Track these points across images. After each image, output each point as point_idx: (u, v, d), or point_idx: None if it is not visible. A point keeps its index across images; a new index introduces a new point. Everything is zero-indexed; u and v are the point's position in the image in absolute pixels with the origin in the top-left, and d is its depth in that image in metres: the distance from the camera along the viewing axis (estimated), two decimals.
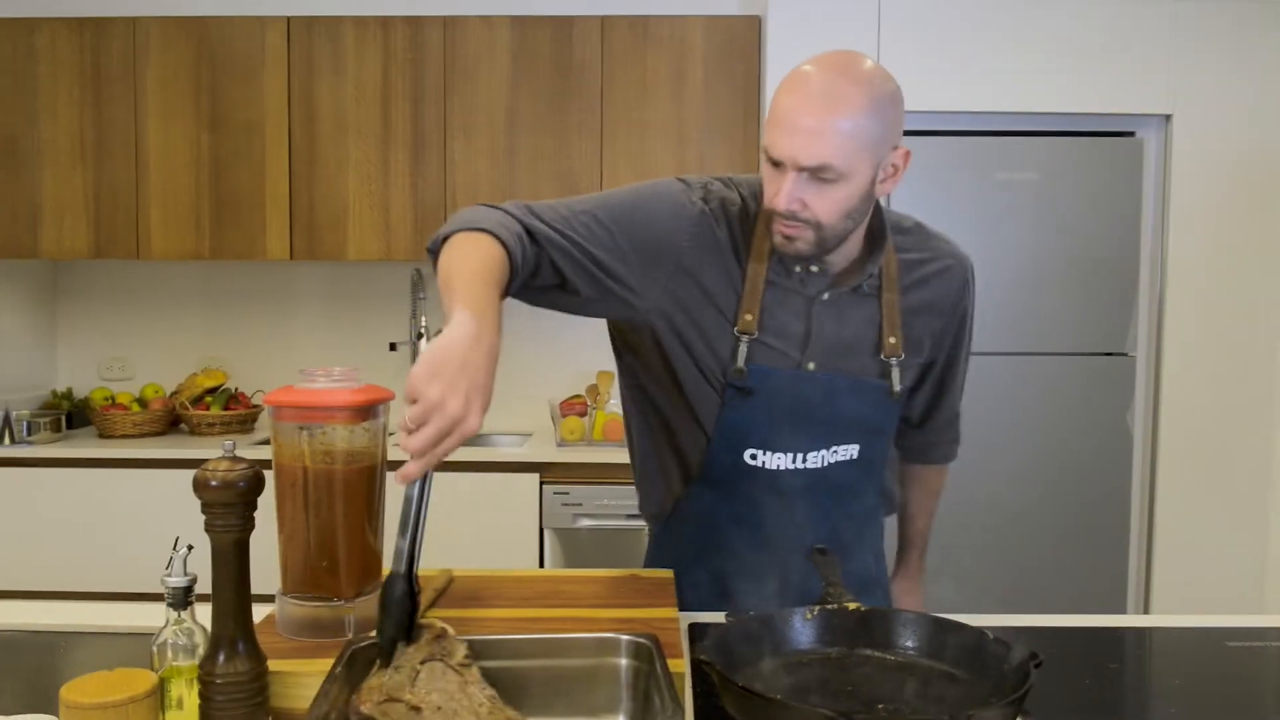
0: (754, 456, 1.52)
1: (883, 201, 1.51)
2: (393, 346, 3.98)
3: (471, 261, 1.28)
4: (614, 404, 3.65)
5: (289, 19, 3.62)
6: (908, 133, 3.54)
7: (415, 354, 3.93)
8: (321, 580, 1.30)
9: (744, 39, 3.56)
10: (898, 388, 1.54)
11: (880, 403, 1.55)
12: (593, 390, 3.67)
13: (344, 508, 1.29)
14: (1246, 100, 3.34)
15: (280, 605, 1.32)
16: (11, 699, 1.36)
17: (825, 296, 1.50)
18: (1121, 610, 3.45)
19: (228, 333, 4.08)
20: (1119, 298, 3.39)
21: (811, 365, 1.50)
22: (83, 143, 3.65)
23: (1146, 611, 3.45)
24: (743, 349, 1.47)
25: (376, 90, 3.61)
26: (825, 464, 1.54)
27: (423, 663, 1.04)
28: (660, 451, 1.62)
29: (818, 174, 1.33)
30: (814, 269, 1.49)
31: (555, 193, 3.59)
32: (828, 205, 1.36)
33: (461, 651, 1.07)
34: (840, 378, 1.51)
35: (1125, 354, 3.42)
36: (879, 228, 1.51)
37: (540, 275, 1.42)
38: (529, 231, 1.39)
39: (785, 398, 1.49)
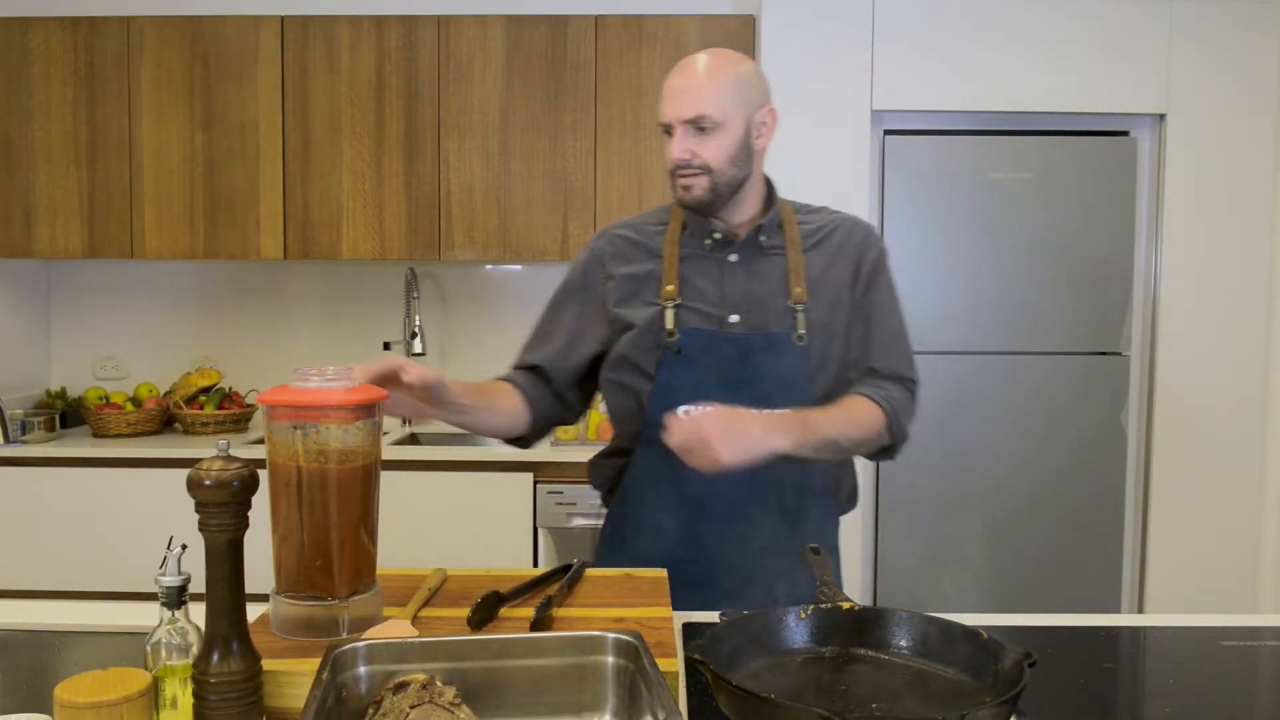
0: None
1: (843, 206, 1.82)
2: (386, 346, 3.98)
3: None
4: None
5: (283, 18, 3.61)
6: (902, 132, 3.54)
7: (409, 353, 3.92)
8: (315, 579, 1.30)
9: (738, 38, 3.56)
10: (801, 331, 1.70)
11: (789, 353, 1.70)
12: None
13: (338, 507, 1.29)
14: (1240, 100, 3.35)
15: (274, 604, 1.32)
16: (6, 698, 1.36)
17: (733, 257, 1.76)
18: (1116, 609, 3.46)
19: (222, 332, 4.07)
20: (1113, 297, 3.40)
21: (734, 318, 1.72)
22: (76, 142, 3.64)
23: (1141, 611, 3.46)
24: (669, 314, 1.72)
25: (370, 89, 3.61)
26: None
27: (413, 707, 1.05)
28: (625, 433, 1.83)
29: (698, 124, 1.66)
30: (717, 235, 1.76)
31: (549, 192, 3.60)
32: (712, 150, 1.67)
33: (451, 692, 1.07)
34: (755, 336, 1.71)
35: (1119, 353, 3.42)
36: (770, 195, 1.80)
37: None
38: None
39: (710, 356, 1.70)
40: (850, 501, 1.88)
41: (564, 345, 1.83)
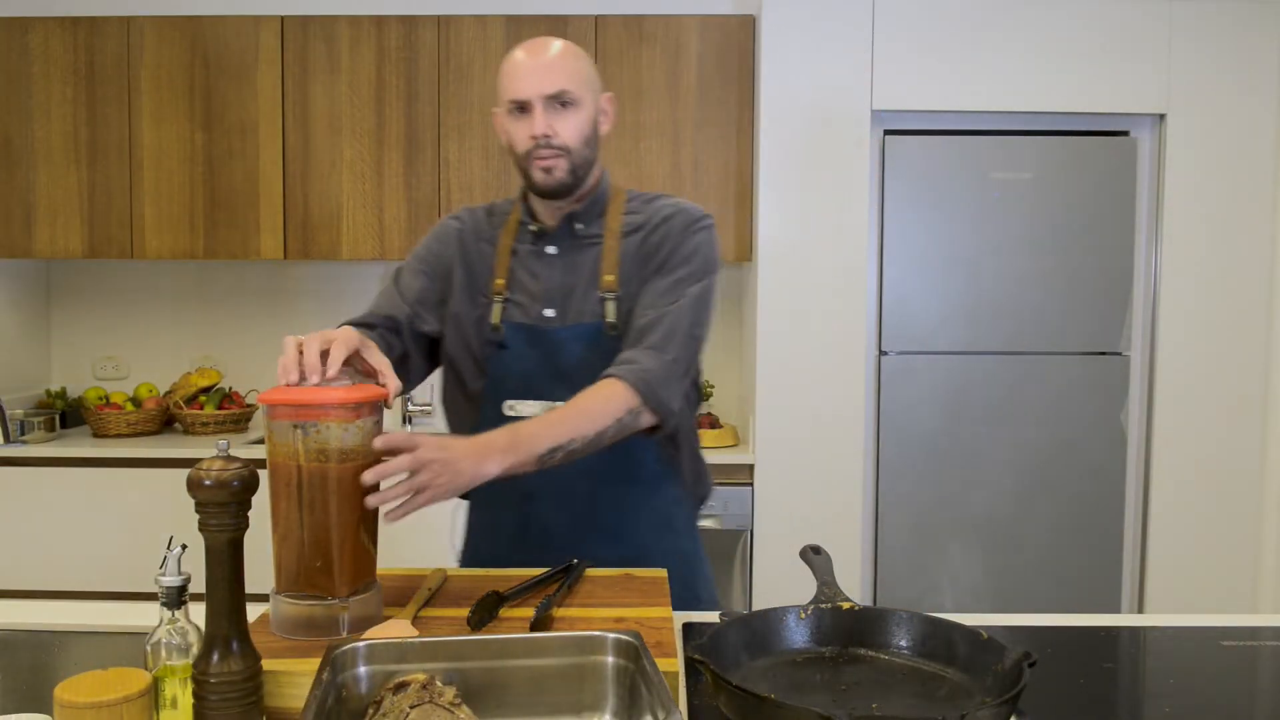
0: (511, 407, 1.66)
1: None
2: None
3: None
4: None
5: (283, 18, 3.61)
6: (901, 132, 3.55)
7: None
8: (316, 579, 1.30)
9: (738, 38, 3.56)
10: (610, 319, 1.67)
11: (602, 343, 1.66)
12: None
13: (338, 506, 1.29)
14: (1240, 100, 3.35)
15: (274, 604, 1.32)
16: (6, 698, 1.36)
17: (551, 249, 1.74)
18: (1116, 609, 3.46)
19: (222, 332, 4.07)
20: (1113, 297, 3.40)
21: (549, 312, 1.70)
22: (77, 142, 3.64)
23: (1140, 611, 3.46)
24: (496, 309, 1.71)
25: (370, 89, 3.61)
26: None
27: (413, 707, 1.05)
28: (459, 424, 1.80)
29: (559, 99, 1.64)
30: (533, 229, 1.74)
31: None
32: (571, 129, 1.66)
33: (451, 692, 1.07)
34: (564, 329, 1.68)
35: (1119, 353, 3.42)
36: (600, 186, 1.79)
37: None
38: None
39: (531, 349, 1.69)
40: (700, 485, 1.83)
41: (410, 313, 1.75)
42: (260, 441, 3.66)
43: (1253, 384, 3.41)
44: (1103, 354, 3.42)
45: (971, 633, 1.21)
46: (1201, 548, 3.43)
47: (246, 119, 3.63)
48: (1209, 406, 3.41)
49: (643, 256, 1.71)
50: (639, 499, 1.70)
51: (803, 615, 1.29)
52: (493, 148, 3.61)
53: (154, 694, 1.08)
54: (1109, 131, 3.45)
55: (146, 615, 1.40)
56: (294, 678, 1.17)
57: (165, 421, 3.83)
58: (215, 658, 1.07)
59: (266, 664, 1.13)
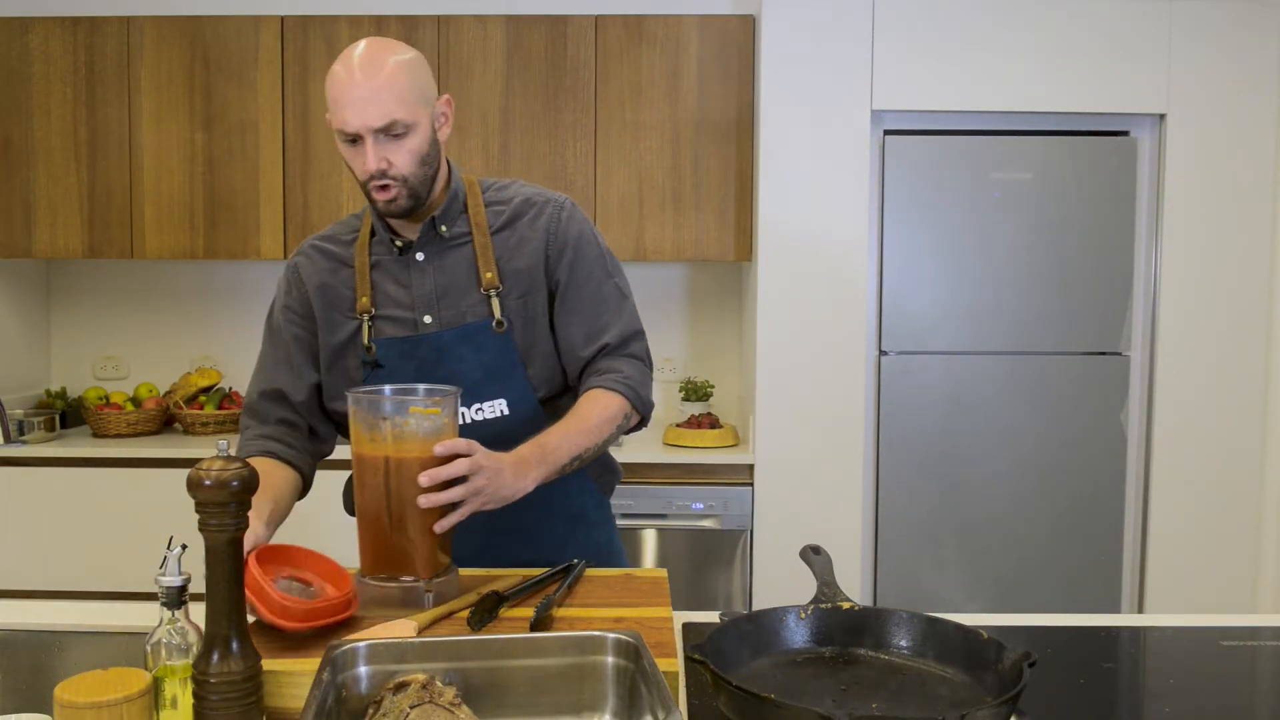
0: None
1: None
2: None
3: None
4: None
5: (283, 18, 3.61)
6: (901, 132, 3.55)
7: None
8: (400, 562, 1.40)
9: (738, 38, 3.57)
10: (498, 316, 1.65)
11: (489, 342, 1.65)
12: None
13: (416, 495, 1.37)
14: (1241, 100, 3.35)
15: (361, 588, 1.41)
16: (6, 698, 1.36)
17: (419, 255, 1.68)
18: (1116, 609, 3.46)
19: (222, 332, 4.07)
20: (1113, 297, 3.40)
21: (428, 319, 1.67)
22: (76, 142, 3.64)
23: (1140, 611, 3.46)
24: (365, 328, 1.67)
25: None
26: (469, 420, 1.64)
27: (413, 707, 1.05)
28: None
29: (390, 131, 1.54)
30: (398, 244, 1.68)
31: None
32: (405, 158, 1.57)
33: (451, 692, 1.07)
34: (447, 332, 1.65)
35: (1119, 353, 3.42)
36: (452, 184, 1.70)
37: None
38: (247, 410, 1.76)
39: (408, 361, 1.66)
40: (608, 474, 1.83)
41: (291, 372, 1.72)
42: None
43: (1253, 384, 3.41)
44: (1103, 354, 3.42)
45: (971, 633, 1.21)
46: (1201, 548, 3.43)
47: (246, 119, 3.63)
48: (1209, 406, 3.41)
49: (525, 252, 1.69)
50: (548, 494, 1.60)
51: (803, 615, 1.29)
52: (492, 148, 3.61)
53: (154, 694, 1.08)
54: (1109, 131, 3.45)
55: (146, 615, 1.40)
56: (294, 678, 1.17)
57: (165, 421, 3.83)
58: (215, 658, 1.07)
59: (266, 664, 1.13)
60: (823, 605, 1.30)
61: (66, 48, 3.62)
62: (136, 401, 3.81)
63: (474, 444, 1.41)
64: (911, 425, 3.42)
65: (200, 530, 1.08)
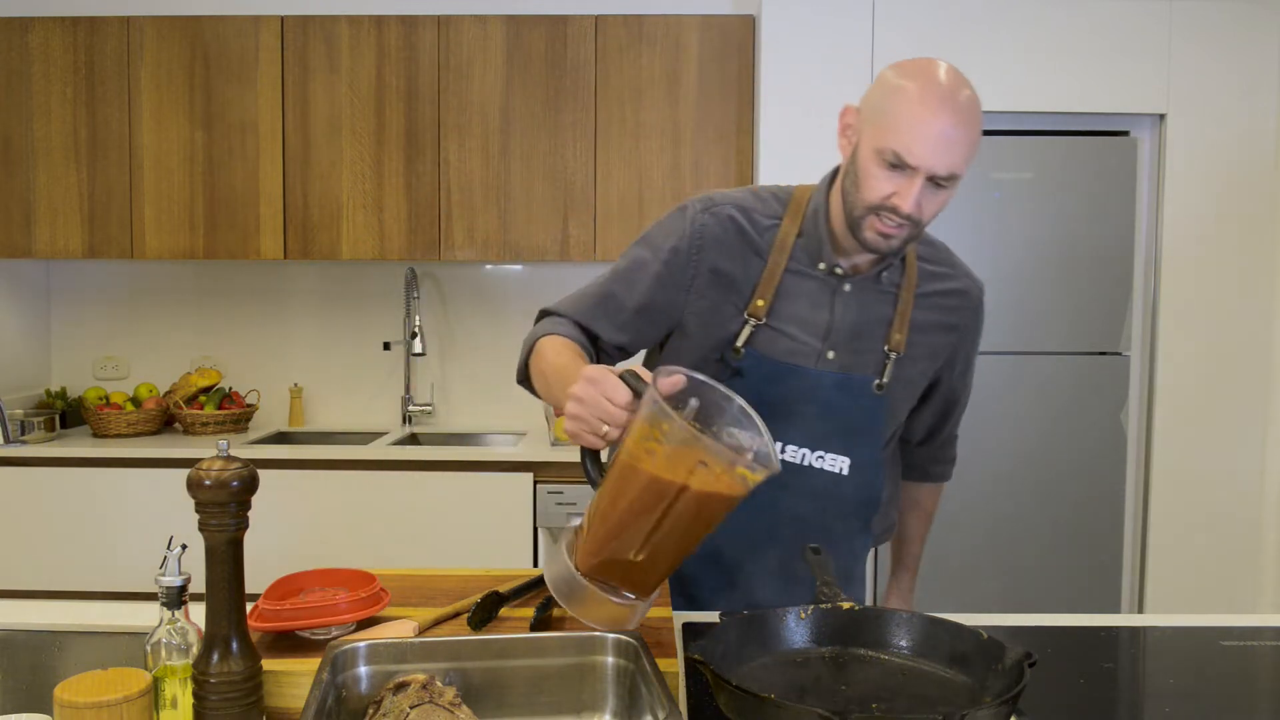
0: (731, 436, 1.51)
1: None
2: (386, 346, 3.98)
3: (550, 360, 1.48)
4: None
5: (283, 18, 3.61)
6: None
7: (409, 354, 3.93)
8: (631, 579, 1.25)
9: (738, 38, 3.56)
10: (885, 380, 1.57)
11: (865, 400, 1.57)
12: None
13: (694, 532, 1.23)
14: (1241, 99, 3.35)
15: (574, 586, 1.27)
16: (6, 698, 1.36)
17: (847, 287, 1.56)
18: (1115, 609, 3.46)
19: (222, 332, 4.07)
20: (1113, 297, 3.40)
21: (831, 354, 1.56)
22: (76, 142, 3.64)
23: (1140, 611, 3.46)
24: (746, 331, 1.54)
25: (370, 89, 3.61)
26: (806, 462, 1.56)
27: (413, 707, 1.05)
28: None
29: (942, 181, 1.41)
30: (839, 270, 1.55)
31: (549, 192, 3.60)
32: (934, 209, 1.44)
33: (451, 692, 1.08)
34: (841, 375, 1.55)
35: (1119, 353, 3.42)
36: None
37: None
38: (565, 317, 1.61)
39: (771, 385, 1.54)
40: (887, 532, 1.84)
41: (628, 321, 1.60)
42: (261, 441, 3.66)
43: (1253, 383, 3.41)
44: (1103, 354, 3.42)
45: (971, 633, 1.21)
46: (1201, 548, 3.43)
47: (246, 119, 3.63)
48: (1209, 406, 3.41)
49: (935, 336, 1.63)
50: (828, 530, 1.58)
51: (803, 615, 1.29)
52: (493, 148, 3.61)
53: (154, 694, 1.08)
54: (1109, 131, 3.44)
55: (146, 615, 1.40)
56: (294, 678, 1.17)
57: (165, 421, 3.83)
58: (215, 658, 1.07)
59: (266, 664, 1.14)
60: (823, 605, 1.30)
61: (66, 48, 3.62)
62: (136, 401, 3.80)
63: None
64: None
65: (200, 530, 1.08)
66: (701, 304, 1.57)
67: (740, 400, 1.26)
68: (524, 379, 1.61)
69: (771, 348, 1.55)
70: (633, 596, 1.25)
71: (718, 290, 1.56)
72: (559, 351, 1.49)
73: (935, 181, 1.41)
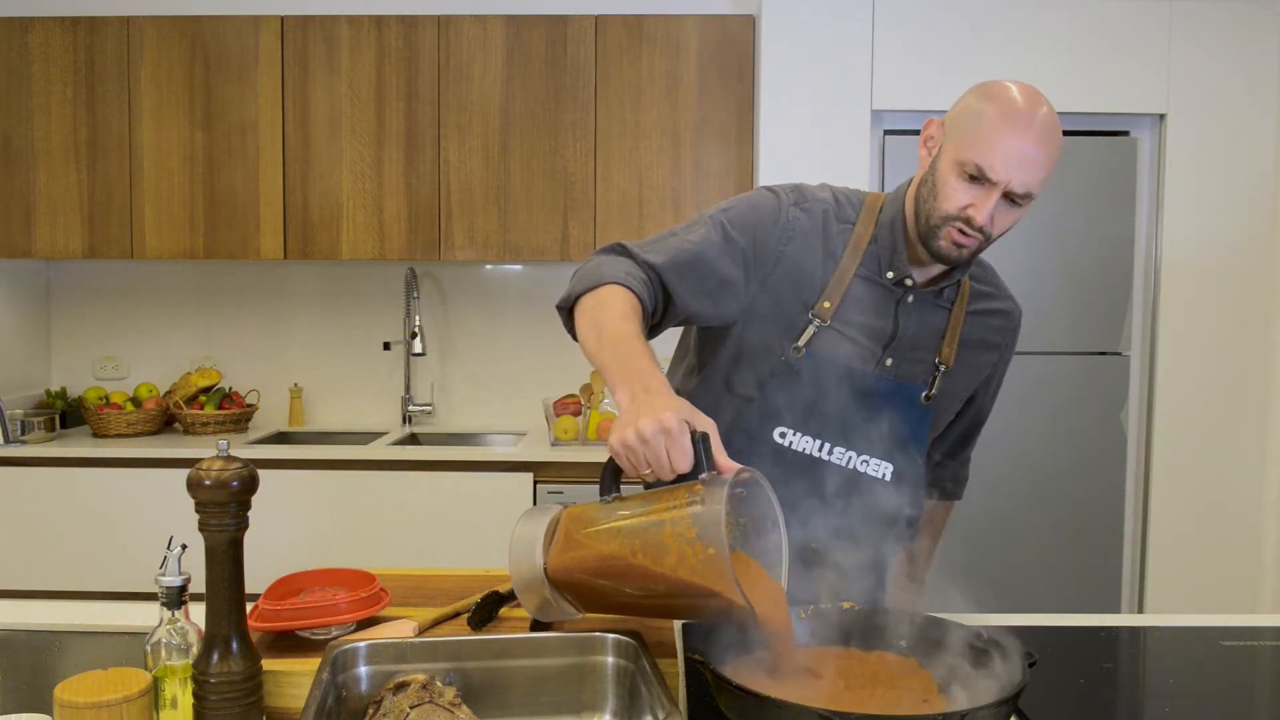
0: (783, 435, 1.56)
1: None
2: (386, 346, 3.98)
3: (613, 321, 1.39)
4: (608, 403, 3.65)
5: (283, 18, 3.61)
6: (901, 132, 3.53)
7: (409, 354, 3.93)
8: (591, 604, 1.24)
9: (738, 38, 3.56)
10: (932, 392, 1.60)
11: (912, 411, 1.60)
12: (586, 389, 3.67)
13: (678, 614, 1.22)
14: (1241, 99, 3.35)
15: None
16: (6, 698, 1.36)
17: (910, 299, 1.58)
18: (1116, 609, 3.46)
19: (222, 332, 4.07)
20: (1113, 297, 3.40)
21: (889, 361, 1.58)
22: (76, 142, 3.64)
23: (1141, 611, 3.46)
24: (809, 332, 1.54)
25: (370, 89, 3.61)
26: (851, 465, 1.57)
27: (413, 707, 1.05)
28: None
29: (1017, 198, 1.43)
30: (909, 282, 1.56)
31: (549, 192, 3.60)
32: (1006, 224, 1.47)
33: (451, 692, 1.08)
34: (894, 382, 1.58)
35: (1119, 353, 3.42)
36: None
37: (669, 311, 1.55)
38: (650, 267, 1.52)
39: (829, 387, 1.55)
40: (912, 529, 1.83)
41: (712, 291, 1.55)
42: (261, 441, 3.66)
43: (1253, 383, 3.41)
44: (1103, 354, 3.42)
45: (972, 633, 1.21)
46: (1201, 548, 3.43)
47: (246, 119, 3.63)
48: (1209, 406, 3.41)
49: (979, 354, 1.66)
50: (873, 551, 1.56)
51: (803, 615, 1.29)
52: (493, 148, 3.61)
53: (154, 694, 1.08)
54: (1109, 131, 3.44)
55: (146, 615, 1.40)
56: (294, 678, 1.17)
57: (165, 421, 3.83)
58: (215, 658, 1.07)
59: (266, 664, 1.14)
60: (823, 605, 1.30)
61: (66, 47, 3.62)
62: (136, 401, 3.80)
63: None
64: None
65: (200, 530, 1.08)
66: (770, 296, 1.56)
67: (779, 514, 1.24)
68: (568, 308, 1.50)
69: (833, 350, 1.56)
70: (581, 614, 1.27)
71: (789, 285, 1.56)
72: (625, 316, 1.41)
73: (1011, 198, 1.44)
